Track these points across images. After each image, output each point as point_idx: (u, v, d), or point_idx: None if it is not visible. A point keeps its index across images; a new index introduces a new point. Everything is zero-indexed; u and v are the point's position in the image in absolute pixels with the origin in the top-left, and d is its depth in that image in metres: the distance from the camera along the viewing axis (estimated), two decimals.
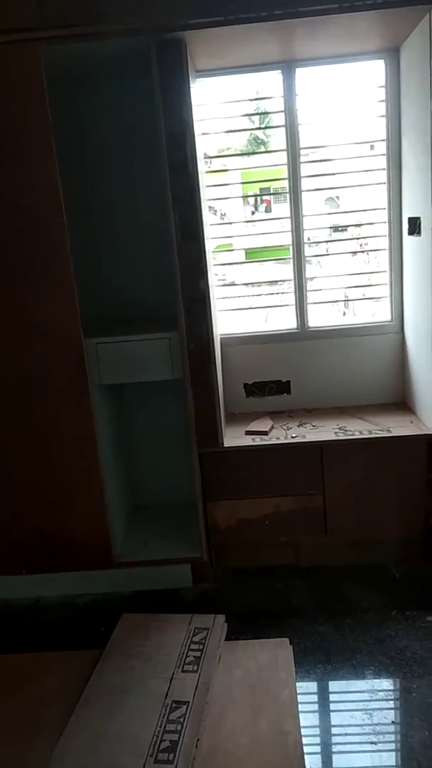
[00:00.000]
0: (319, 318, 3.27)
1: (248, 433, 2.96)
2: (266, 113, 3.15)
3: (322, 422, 3.01)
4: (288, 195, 3.04)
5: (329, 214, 3.80)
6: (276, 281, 3.43)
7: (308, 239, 3.14)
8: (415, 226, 2.79)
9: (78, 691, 2.20)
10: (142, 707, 2.07)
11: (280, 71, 2.90)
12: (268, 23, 2.37)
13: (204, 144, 3.08)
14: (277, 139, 3.27)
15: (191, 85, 2.52)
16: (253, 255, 3.65)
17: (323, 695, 2.22)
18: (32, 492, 2.78)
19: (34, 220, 2.46)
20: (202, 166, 2.73)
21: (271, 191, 4.06)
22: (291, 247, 3.10)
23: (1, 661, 2.46)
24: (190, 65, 2.53)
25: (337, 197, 4.03)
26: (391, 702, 2.16)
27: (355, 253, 3.66)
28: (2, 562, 2.87)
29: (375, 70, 2.94)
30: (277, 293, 3.43)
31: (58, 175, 2.41)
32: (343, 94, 3.05)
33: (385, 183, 3.04)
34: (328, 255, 3.90)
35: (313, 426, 2.98)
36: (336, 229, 3.74)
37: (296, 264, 3.11)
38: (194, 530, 2.90)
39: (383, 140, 3.00)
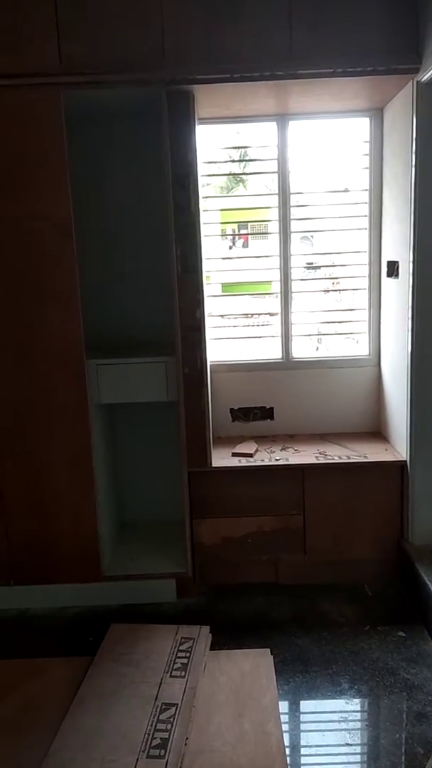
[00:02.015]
0: (295, 350, 3.48)
1: (234, 455, 3.13)
2: (249, 160, 3.43)
3: (303, 447, 3.21)
4: (278, 236, 3.28)
5: (313, 254, 4.02)
6: (261, 314, 3.64)
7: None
8: (393, 269, 3.05)
9: (69, 695, 2.30)
10: (133, 708, 2.18)
11: (275, 122, 3.17)
12: (268, 82, 2.63)
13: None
14: (256, 180, 3.53)
15: (196, 131, 2.76)
16: (230, 288, 3.84)
17: (303, 700, 2.36)
18: (24, 504, 2.89)
19: (46, 248, 2.65)
20: (202, 205, 2.95)
21: (249, 229, 4.30)
22: (279, 283, 3.33)
23: None
24: (195, 114, 2.77)
25: (311, 236, 4.28)
26: (366, 708, 2.32)
27: (327, 291, 3.89)
28: None
29: (360, 126, 3.23)
30: (253, 325, 3.63)
31: (71, 207, 2.61)
32: (330, 146, 3.33)
33: (366, 228, 3.31)
34: (301, 292, 4.13)
35: (295, 450, 3.17)
36: (310, 266, 3.97)
37: (283, 298, 3.34)
38: (180, 547, 3.04)
39: (366, 190, 3.28)
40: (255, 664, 2.46)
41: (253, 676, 2.39)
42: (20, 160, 2.59)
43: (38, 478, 2.87)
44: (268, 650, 2.56)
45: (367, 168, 3.25)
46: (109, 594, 3.01)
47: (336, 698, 2.34)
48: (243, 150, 3.84)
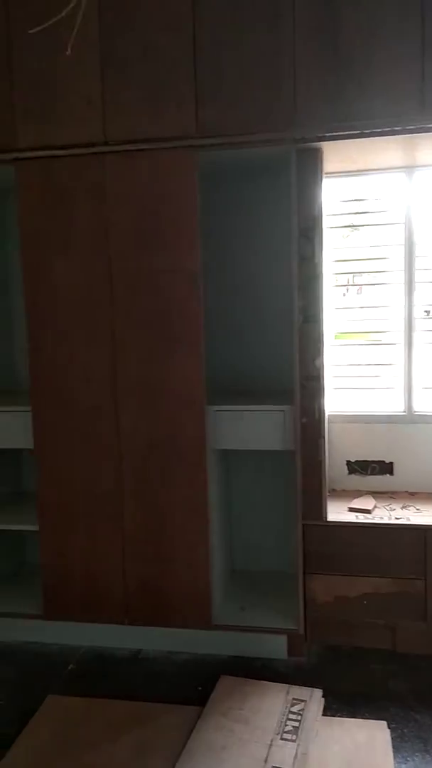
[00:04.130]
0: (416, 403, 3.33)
1: (351, 510, 3.03)
2: (366, 212, 3.40)
3: (426, 507, 3.05)
4: (403, 285, 3.23)
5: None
6: (378, 364, 3.53)
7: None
8: None
9: (178, 744, 2.28)
10: None
11: (404, 173, 3.16)
12: (398, 136, 2.63)
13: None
14: (372, 229, 3.47)
15: (322, 186, 2.80)
16: (344, 337, 3.77)
17: None
18: (142, 546, 2.94)
19: (176, 299, 2.77)
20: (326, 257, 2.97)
21: (365, 278, 4.24)
22: (402, 333, 3.26)
23: (106, 705, 2.58)
24: (322, 169, 2.82)
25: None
26: None
27: None
28: (106, 611, 3.02)
29: None
30: (367, 376, 3.52)
31: (200, 259, 2.72)
32: None
33: None
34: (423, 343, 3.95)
35: (417, 509, 3.02)
36: (427, 315, 3.81)
37: (407, 348, 3.25)
38: (291, 601, 2.96)
39: None
40: (370, 737, 2.32)
41: (368, 749, 2.25)
42: (156, 217, 2.75)
43: (157, 520, 2.92)
44: (385, 723, 2.40)
45: None
46: (218, 643, 2.98)
47: None
48: (359, 201, 3.81)
